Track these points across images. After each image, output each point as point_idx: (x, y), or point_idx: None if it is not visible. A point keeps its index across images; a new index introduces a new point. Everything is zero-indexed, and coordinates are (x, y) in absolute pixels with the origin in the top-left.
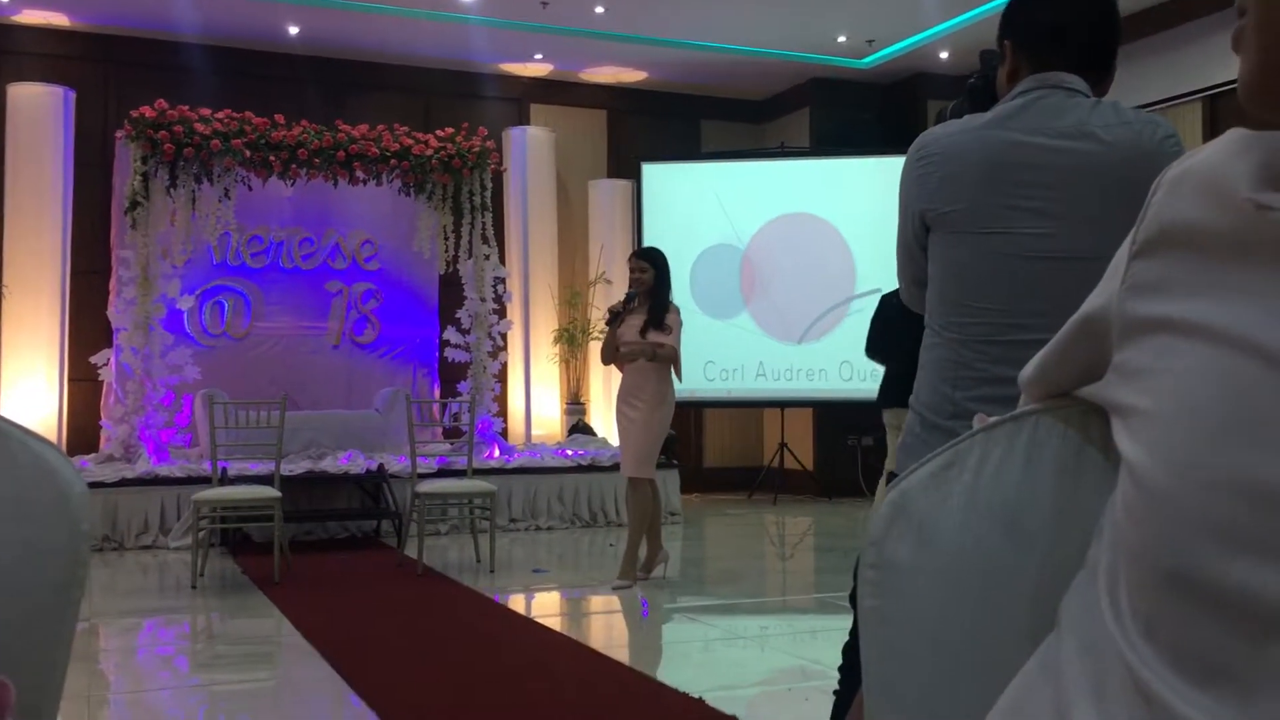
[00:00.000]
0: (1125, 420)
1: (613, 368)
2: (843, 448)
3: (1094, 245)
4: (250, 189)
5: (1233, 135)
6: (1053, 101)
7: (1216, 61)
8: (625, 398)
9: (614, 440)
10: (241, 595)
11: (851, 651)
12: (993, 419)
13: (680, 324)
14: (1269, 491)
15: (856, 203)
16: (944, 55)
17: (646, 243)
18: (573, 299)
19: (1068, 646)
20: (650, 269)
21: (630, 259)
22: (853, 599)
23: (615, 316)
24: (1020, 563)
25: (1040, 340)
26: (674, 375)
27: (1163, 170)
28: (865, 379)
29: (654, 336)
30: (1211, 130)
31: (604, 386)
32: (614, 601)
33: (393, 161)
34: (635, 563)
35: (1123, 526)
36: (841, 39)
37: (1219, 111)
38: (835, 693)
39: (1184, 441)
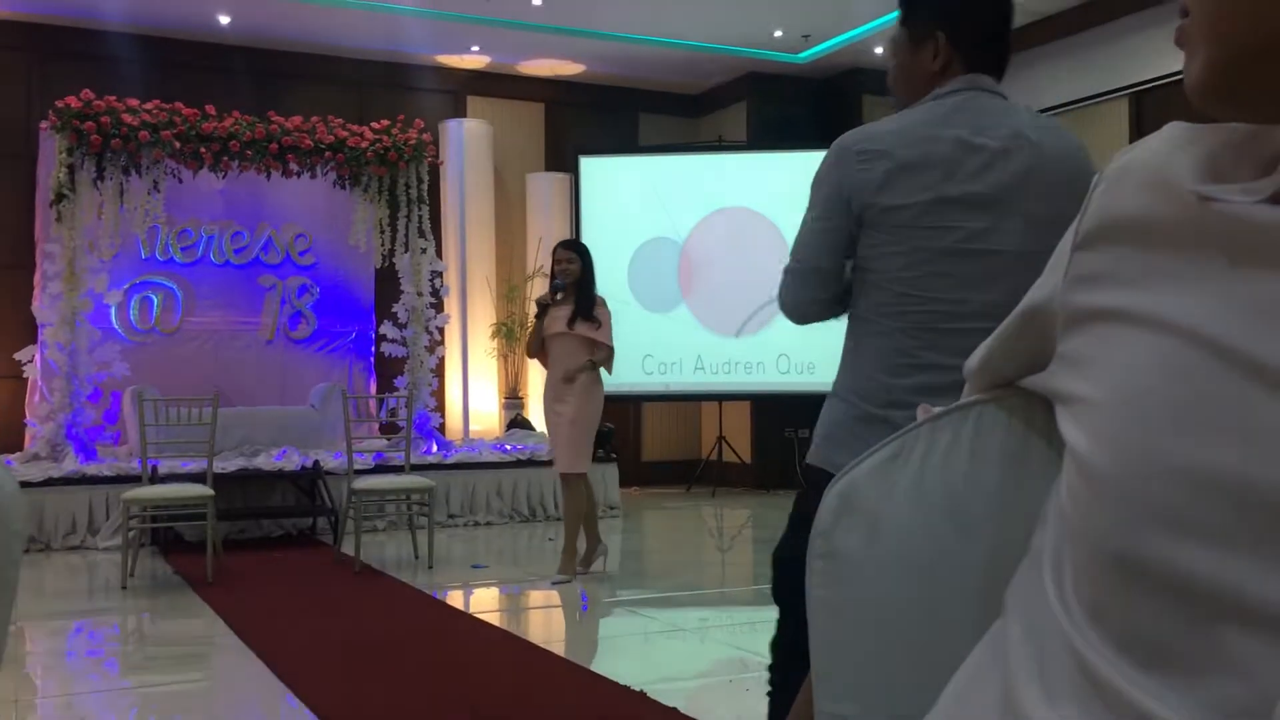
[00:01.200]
0: (1070, 408)
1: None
2: (780, 440)
3: (1032, 240)
4: (180, 181)
5: (1173, 129)
6: (982, 103)
7: (1142, 59)
8: (552, 394)
9: None
10: (173, 595)
11: (779, 648)
12: (937, 409)
13: (609, 315)
14: (1212, 477)
15: (793, 197)
16: (879, 50)
17: (585, 236)
18: (511, 293)
19: (1014, 631)
20: (578, 259)
21: (557, 249)
22: (775, 593)
23: (543, 309)
24: (967, 550)
25: (980, 329)
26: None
27: (1101, 166)
28: (802, 372)
29: (581, 328)
30: (1137, 126)
31: (542, 381)
32: (553, 596)
33: (327, 154)
34: (574, 557)
35: (1068, 512)
36: (778, 33)
37: (1144, 108)
38: (769, 695)
39: (1128, 428)
